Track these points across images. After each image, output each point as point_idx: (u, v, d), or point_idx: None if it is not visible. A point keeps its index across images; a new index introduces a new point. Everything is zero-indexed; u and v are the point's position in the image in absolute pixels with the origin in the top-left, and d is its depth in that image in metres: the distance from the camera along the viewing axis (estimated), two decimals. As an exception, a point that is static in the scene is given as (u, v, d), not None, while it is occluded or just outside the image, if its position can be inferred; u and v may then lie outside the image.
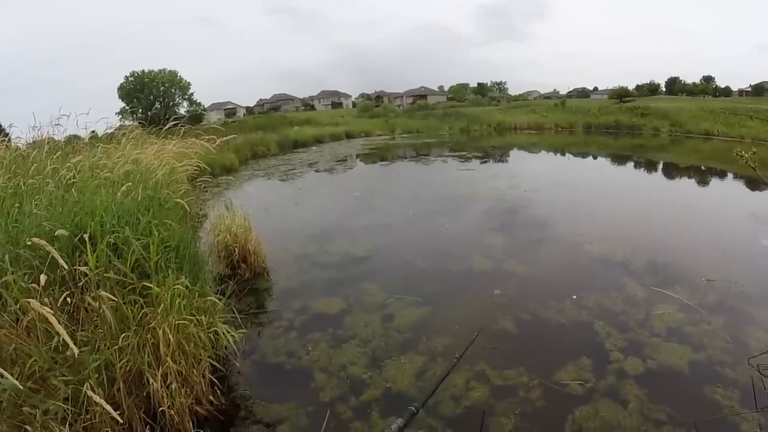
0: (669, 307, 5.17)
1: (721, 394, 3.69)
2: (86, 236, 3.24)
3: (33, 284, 2.77)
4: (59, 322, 2.85)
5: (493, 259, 6.98)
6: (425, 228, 9.20)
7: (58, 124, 6.98)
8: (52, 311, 1.98)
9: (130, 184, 4.71)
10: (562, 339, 4.67)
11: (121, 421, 2.72)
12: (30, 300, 2.02)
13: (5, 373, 2.13)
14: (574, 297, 5.48)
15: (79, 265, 3.27)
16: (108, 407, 2.12)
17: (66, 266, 2.50)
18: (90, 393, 2.23)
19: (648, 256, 6.91)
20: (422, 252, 7.65)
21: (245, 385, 4.11)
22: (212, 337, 3.71)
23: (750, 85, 59.44)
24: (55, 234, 3.04)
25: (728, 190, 14.33)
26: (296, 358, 4.51)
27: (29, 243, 2.84)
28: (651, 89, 61.65)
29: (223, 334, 3.66)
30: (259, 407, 3.77)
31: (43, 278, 2.52)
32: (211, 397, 3.64)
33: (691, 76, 78.29)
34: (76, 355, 2.24)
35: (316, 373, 4.23)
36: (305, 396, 3.90)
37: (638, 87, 60.77)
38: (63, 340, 2.81)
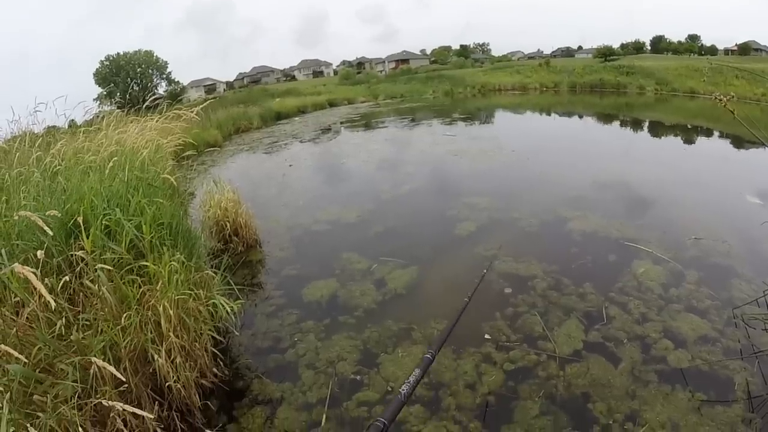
0: (653, 265, 5.32)
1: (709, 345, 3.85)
2: (80, 220, 3.22)
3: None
4: (59, 306, 2.91)
5: (478, 220, 7.09)
6: (417, 191, 9.34)
7: (38, 110, 6.79)
8: (31, 270, 1.99)
9: (115, 165, 4.66)
10: (557, 305, 4.67)
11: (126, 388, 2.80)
12: (15, 264, 2.02)
13: (16, 354, 2.15)
14: (573, 267, 5.47)
15: (76, 251, 3.28)
16: (117, 372, 2.16)
17: (50, 231, 2.51)
18: (99, 362, 2.27)
19: (636, 214, 7.09)
20: (413, 215, 7.85)
21: (247, 355, 4.20)
22: (211, 310, 3.76)
23: (736, 44, 59.31)
24: (47, 214, 3.02)
25: (714, 147, 14.48)
26: (294, 323, 4.62)
27: (16, 217, 2.85)
28: (636, 48, 61.40)
29: (222, 305, 3.70)
30: (262, 376, 3.87)
31: (40, 254, 2.53)
32: (215, 370, 3.72)
33: (677, 34, 77.89)
34: (52, 308, 2.26)
35: (312, 335, 4.39)
36: (309, 357, 4.05)
37: (623, 46, 60.44)
38: (64, 322, 2.89)
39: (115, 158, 4.74)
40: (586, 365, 3.70)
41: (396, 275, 5.43)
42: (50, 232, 2.51)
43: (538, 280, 5.10)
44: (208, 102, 6.87)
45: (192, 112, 5.90)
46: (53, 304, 2.05)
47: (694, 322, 4.15)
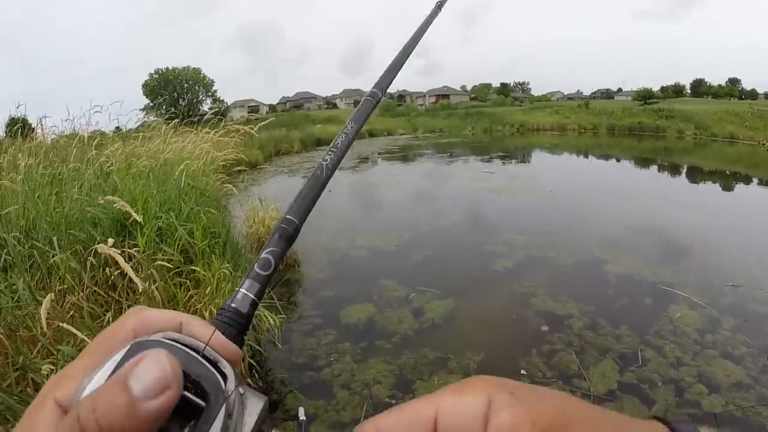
0: (689, 311, 5.22)
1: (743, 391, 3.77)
2: (139, 218, 3.37)
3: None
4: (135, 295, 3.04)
5: (515, 257, 7.04)
6: (455, 225, 9.39)
7: (98, 111, 7.03)
8: (118, 251, 2.07)
9: (172, 171, 4.87)
10: (593, 345, 4.62)
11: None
12: (100, 245, 2.10)
13: (75, 331, 2.16)
14: (610, 308, 5.47)
15: (128, 248, 3.43)
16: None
17: (138, 218, 2.59)
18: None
19: (673, 259, 6.98)
20: (450, 247, 7.88)
21: (282, 369, 4.24)
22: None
23: (777, 88, 58.27)
24: (114, 206, 3.14)
25: (753, 194, 14.17)
26: (330, 343, 4.65)
27: (101, 201, 2.97)
28: (676, 91, 60.86)
29: (266, 318, 3.80)
30: (296, 391, 3.89)
31: (111, 241, 2.64)
32: (249, 380, 3.78)
33: (717, 78, 76.90)
34: (140, 289, 2.32)
35: (349, 356, 4.41)
36: (344, 377, 4.06)
37: (663, 89, 60.02)
38: (112, 316, 3.00)
39: (185, 162, 4.91)
40: (620, 405, 3.64)
41: (433, 305, 5.43)
42: (139, 219, 2.62)
43: (575, 320, 5.04)
44: (269, 120, 6.96)
45: (253, 129, 6.08)
46: (141, 285, 2.13)
47: (728, 368, 4.07)
